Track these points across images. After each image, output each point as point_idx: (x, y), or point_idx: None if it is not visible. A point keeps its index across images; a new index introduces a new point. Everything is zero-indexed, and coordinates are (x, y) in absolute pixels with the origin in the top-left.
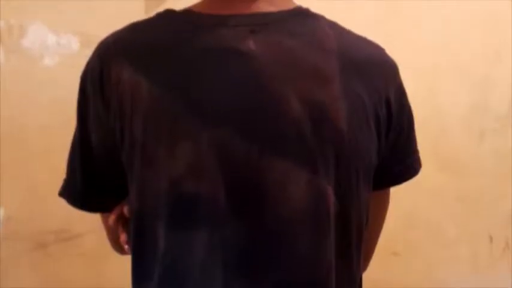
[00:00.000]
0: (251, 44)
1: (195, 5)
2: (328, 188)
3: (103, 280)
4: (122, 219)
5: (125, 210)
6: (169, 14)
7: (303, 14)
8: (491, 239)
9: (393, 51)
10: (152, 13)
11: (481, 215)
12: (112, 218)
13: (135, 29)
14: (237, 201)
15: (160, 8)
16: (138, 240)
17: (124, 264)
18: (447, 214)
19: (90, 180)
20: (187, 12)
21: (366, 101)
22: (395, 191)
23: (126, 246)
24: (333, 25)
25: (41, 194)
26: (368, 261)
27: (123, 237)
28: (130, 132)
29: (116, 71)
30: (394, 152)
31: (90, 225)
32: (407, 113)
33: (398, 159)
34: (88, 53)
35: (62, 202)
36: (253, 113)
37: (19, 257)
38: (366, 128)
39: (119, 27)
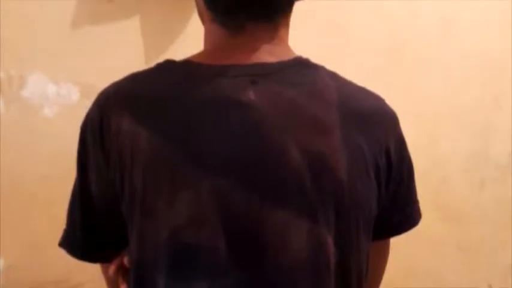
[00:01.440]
0: (251, 95)
1: (195, 56)
2: (328, 237)
3: None
4: (122, 270)
5: (125, 260)
6: (169, 64)
7: (303, 64)
8: None
9: (393, 101)
10: (152, 63)
11: (481, 264)
12: (112, 268)
13: (135, 80)
14: (237, 251)
15: (161, 58)
16: None
17: None
18: (447, 264)
19: (90, 230)
20: (187, 63)
21: (366, 151)
22: (395, 241)
23: None
24: (333, 75)
25: (40, 244)
26: None
27: (123, 287)
28: (130, 183)
29: (115, 121)
30: (394, 202)
31: (90, 275)
32: (407, 163)
33: (398, 209)
34: (88, 103)
35: (62, 252)
36: (254, 163)
37: None
38: (366, 179)
39: (119, 78)
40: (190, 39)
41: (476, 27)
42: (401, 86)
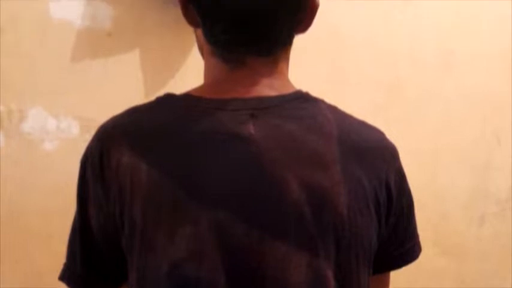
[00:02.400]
0: (251, 128)
1: (195, 89)
2: (329, 271)
3: None
4: None
5: None
6: (169, 98)
7: (303, 98)
8: None
9: (393, 136)
10: (152, 97)
11: None
12: None
13: (135, 113)
14: (237, 285)
15: (161, 92)
16: None
17: None
18: None
19: (90, 264)
20: (187, 97)
21: (366, 185)
22: (395, 275)
23: None
24: (333, 109)
25: (41, 278)
26: None
27: None
28: (130, 217)
29: (115, 155)
30: (394, 236)
31: None
32: (407, 197)
33: (399, 243)
34: (88, 137)
35: (62, 286)
36: (253, 197)
37: None
38: (366, 213)
39: (118, 112)
40: (190, 73)
41: (476, 62)
42: (401, 120)
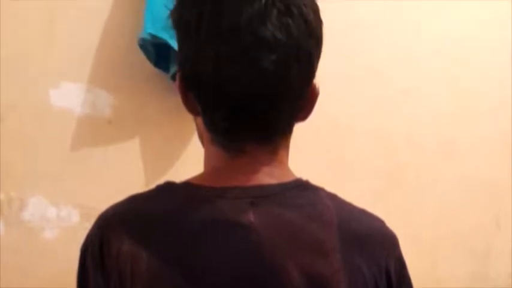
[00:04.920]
0: (251, 217)
1: (195, 177)
2: None
3: None
4: None
5: None
6: (169, 186)
7: (303, 186)
8: None
9: (393, 223)
10: (152, 185)
11: None
12: None
13: (135, 201)
14: None
15: (161, 180)
16: None
17: None
18: None
19: None
20: (187, 185)
21: (366, 273)
22: None
23: None
24: (333, 197)
25: None
26: None
27: None
28: None
29: (115, 243)
30: None
31: None
32: (408, 285)
33: None
34: (88, 225)
35: None
36: (254, 285)
37: None
38: None
39: (119, 200)
40: (190, 161)
41: (475, 148)
42: (401, 208)
